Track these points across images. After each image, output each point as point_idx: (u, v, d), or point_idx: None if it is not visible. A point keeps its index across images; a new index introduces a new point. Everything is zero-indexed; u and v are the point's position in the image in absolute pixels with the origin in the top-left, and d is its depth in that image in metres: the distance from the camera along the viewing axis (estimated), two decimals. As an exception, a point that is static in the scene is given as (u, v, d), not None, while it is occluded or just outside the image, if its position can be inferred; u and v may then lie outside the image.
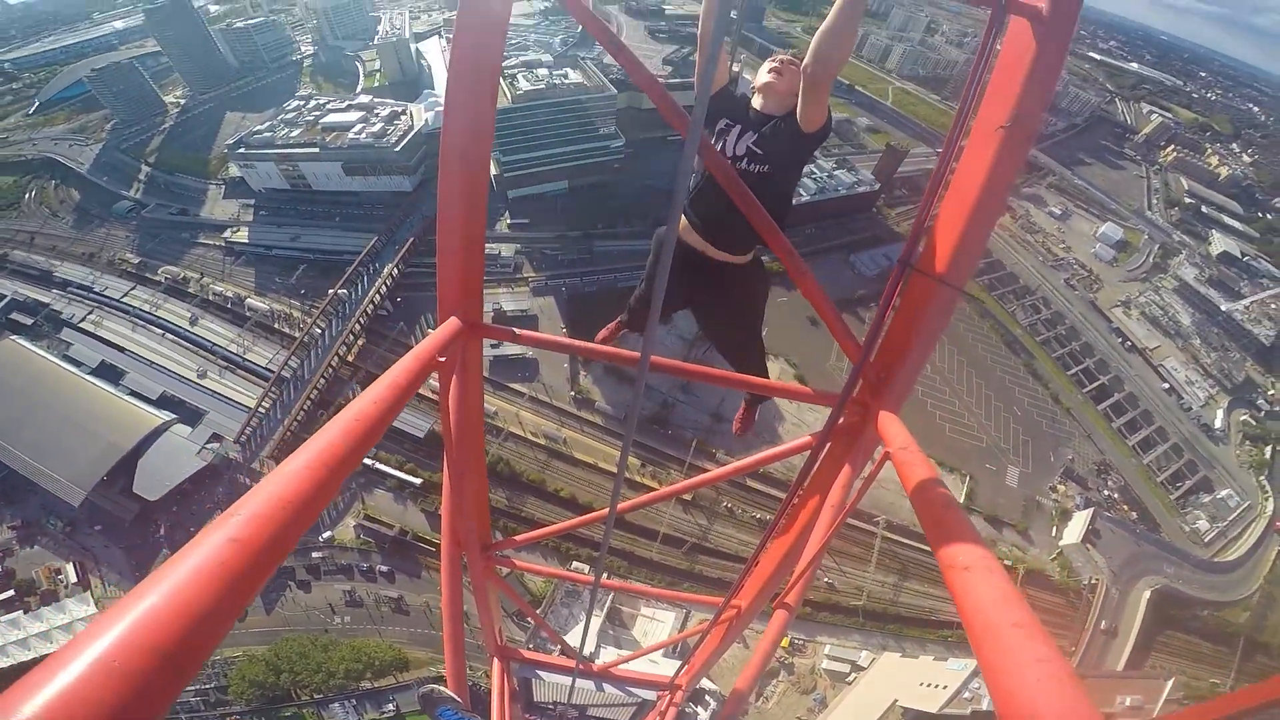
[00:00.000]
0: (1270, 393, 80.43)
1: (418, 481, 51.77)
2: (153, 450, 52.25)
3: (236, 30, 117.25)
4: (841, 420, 3.27)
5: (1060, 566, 56.85)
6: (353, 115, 78.98)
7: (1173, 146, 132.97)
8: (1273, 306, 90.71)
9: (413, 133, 76.10)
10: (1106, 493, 64.64)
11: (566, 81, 79.05)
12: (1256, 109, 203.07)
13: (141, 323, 65.03)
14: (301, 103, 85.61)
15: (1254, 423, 76.34)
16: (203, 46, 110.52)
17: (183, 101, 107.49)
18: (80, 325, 64.84)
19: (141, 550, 49.09)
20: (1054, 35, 2.66)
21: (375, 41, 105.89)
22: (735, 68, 4.04)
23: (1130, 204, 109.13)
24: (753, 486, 55.09)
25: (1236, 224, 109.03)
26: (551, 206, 75.82)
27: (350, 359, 59.92)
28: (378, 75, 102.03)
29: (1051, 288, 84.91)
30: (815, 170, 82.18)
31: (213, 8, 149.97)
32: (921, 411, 63.22)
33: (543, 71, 79.48)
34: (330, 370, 58.00)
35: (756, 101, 3.53)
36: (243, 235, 73.35)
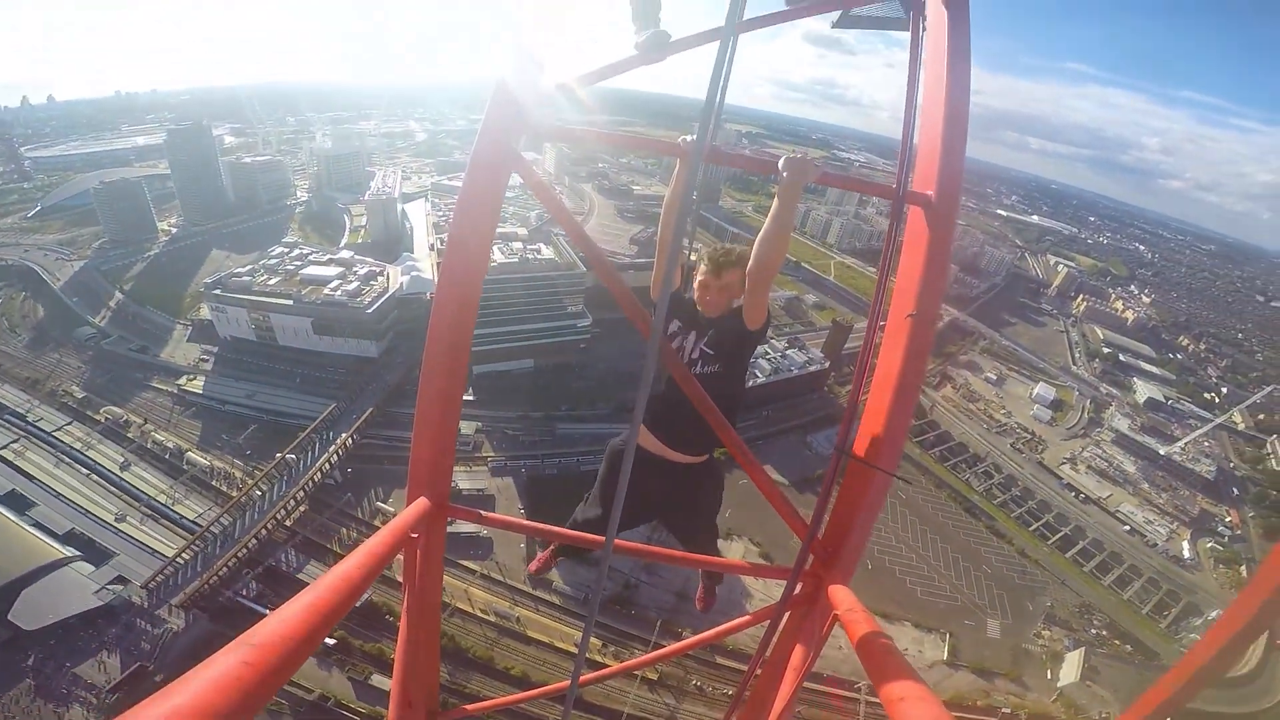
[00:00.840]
0: (1227, 520, 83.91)
1: (331, 642, 49.71)
2: (43, 581, 49.64)
3: (243, 165, 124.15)
4: (796, 591, 3.53)
5: (1065, 706, 55.70)
6: (332, 270, 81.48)
7: (1082, 296, 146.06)
8: (1205, 444, 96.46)
9: (386, 295, 78.11)
10: (1094, 631, 64.84)
11: (539, 257, 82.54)
12: (1142, 247, 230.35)
13: (67, 460, 63.30)
14: (286, 250, 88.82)
15: (1221, 548, 79.01)
16: (209, 176, 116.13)
17: (174, 229, 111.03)
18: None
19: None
20: (942, 220, 3.36)
21: (365, 197, 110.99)
22: (692, 256, 4.32)
23: (1056, 360, 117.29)
24: (722, 663, 53.63)
25: (1154, 369, 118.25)
26: (516, 384, 75.92)
27: (288, 524, 58.80)
28: (363, 231, 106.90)
29: (1000, 453, 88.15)
30: (769, 350, 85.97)
31: (229, 139, 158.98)
32: (891, 578, 63.79)
33: (517, 245, 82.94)
34: (264, 532, 56.71)
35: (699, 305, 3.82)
36: (197, 385, 72.88)
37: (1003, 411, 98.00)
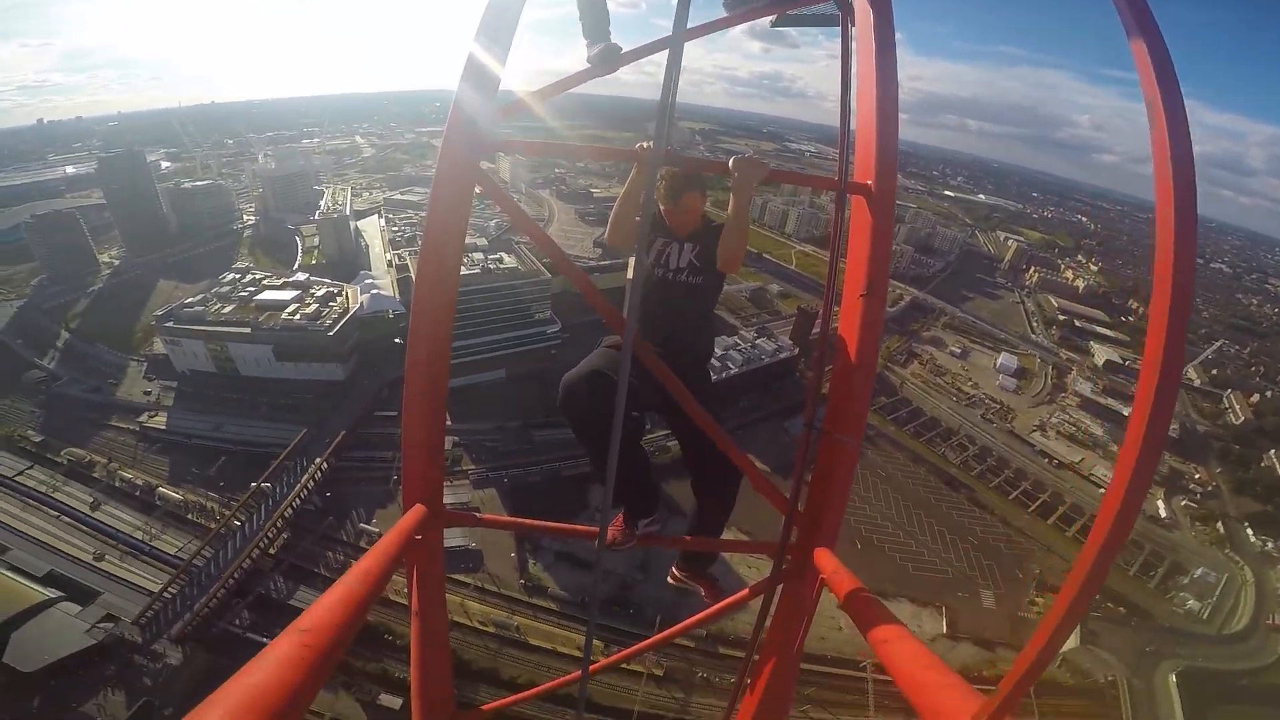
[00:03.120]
0: (1197, 477, 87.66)
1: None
2: (31, 624, 48.59)
3: (183, 191, 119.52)
4: (786, 563, 3.68)
5: (1070, 672, 56.98)
6: (288, 293, 79.61)
7: (1033, 268, 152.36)
8: None
9: (348, 316, 76.69)
10: None
11: (502, 267, 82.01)
12: (1085, 219, 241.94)
13: (34, 504, 61.21)
14: (237, 276, 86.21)
15: (1195, 505, 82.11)
16: (147, 205, 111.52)
17: (116, 262, 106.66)
18: (-40, 499, 60.25)
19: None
20: (881, 207, 3.61)
21: (316, 216, 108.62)
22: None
23: (1015, 330, 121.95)
24: (725, 653, 54.26)
25: (1108, 332, 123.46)
26: (489, 395, 75.59)
27: (272, 552, 57.67)
28: (316, 252, 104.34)
29: (972, 425, 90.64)
30: (739, 342, 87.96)
31: (164, 164, 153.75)
32: (881, 555, 64.93)
33: (478, 256, 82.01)
34: (249, 562, 55.45)
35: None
36: (160, 421, 70.86)
37: (970, 383, 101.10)
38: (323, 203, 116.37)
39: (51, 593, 51.74)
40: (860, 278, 3.63)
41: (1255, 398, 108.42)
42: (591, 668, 3.59)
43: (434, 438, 3.59)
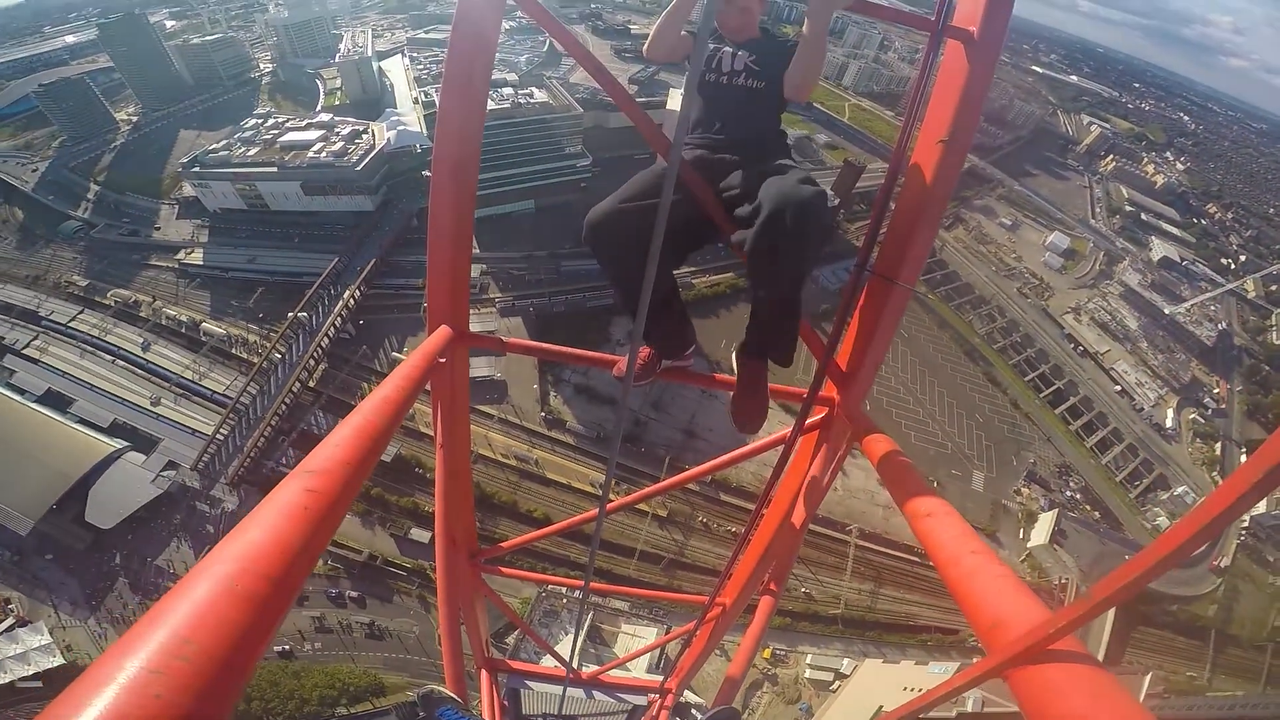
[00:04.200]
0: (1215, 391, 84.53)
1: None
2: (105, 478, 50.32)
3: (193, 47, 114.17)
4: (813, 417, 3.55)
5: (1031, 568, 57.92)
6: (312, 134, 77.43)
7: (1112, 156, 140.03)
8: (1212, 309, 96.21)
9: (374, 152, 74.83)
10: (1069, 494, 66.39)
11: (532, 101, 78.68)
12: (1186, 118, 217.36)
13: (90, 349, 62.44)
14: (259, 121, 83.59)
15: (1202, 421, 79.67)
16: (158, 63, 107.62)
17: (135, 119, 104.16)
18: (24, 351, 62.02)
19: (96, 579, 46.97)
20: (983, 56, 2.98)
21: (336, 60, 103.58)
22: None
23: (1075, 213, 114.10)
24: (727, 501, 55.13)
25: (1175, 230, 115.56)
26: (518, 226, 75.01)
27: (312, 385, 58.35)
28: (338, 94, 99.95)
29: (1006, 297, 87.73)
30: None
31: (169, 23, 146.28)
32: (887, 420, 64.48)
33: (508, 91, 78.73)
34: (291, 396, 56.31)
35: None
36: (197, 257, 70.98)
37: (1014, 256, 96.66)
38: (343, 45, 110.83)
39: (118, 443, 53.26)
40: (944, 122, 3.02)
41: None
42: (609, 506, 3.45)
43: (460, 259, 3.40)
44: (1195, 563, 63.06)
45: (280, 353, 59.30)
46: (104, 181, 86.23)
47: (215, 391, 58.11)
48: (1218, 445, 76.68)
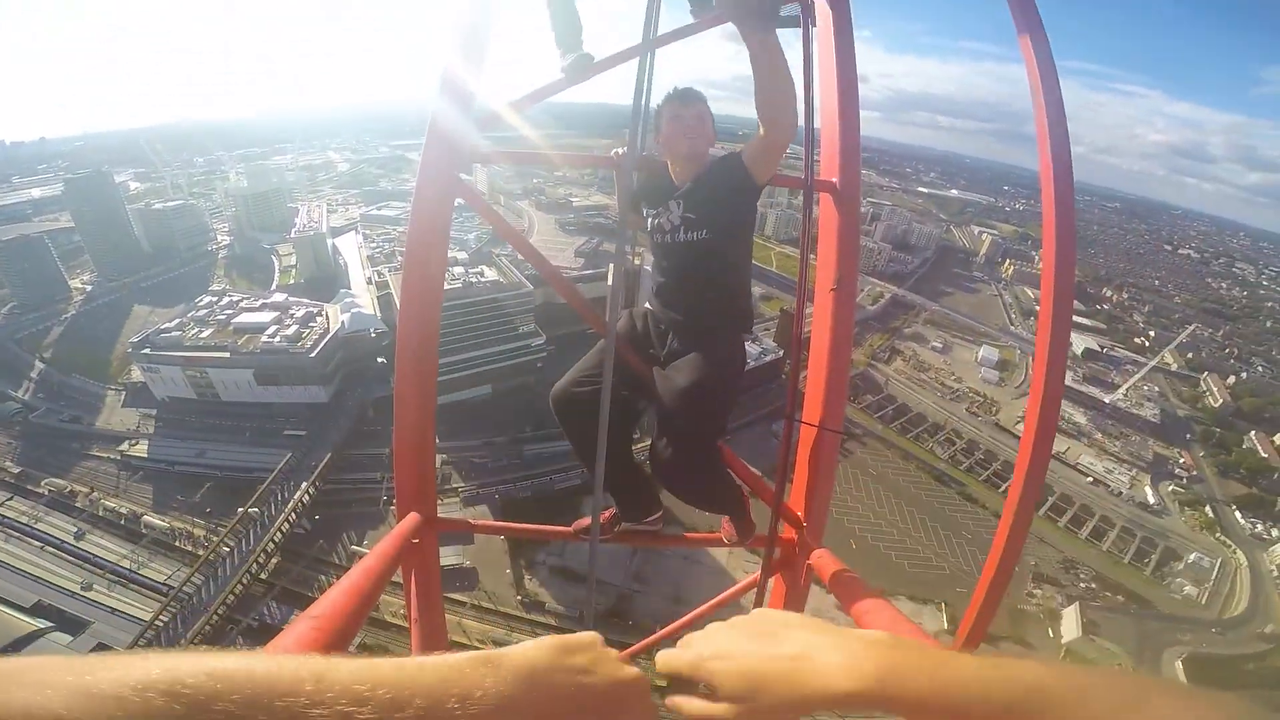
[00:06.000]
0: (1182, 461, 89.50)
1: None
2: (25, 653, 47.71)
3: (154, 212, 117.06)
4: (776, 555, 3.71)
5: (1074, 662, 57.05)
6: (266, 315, 78.33)
7: (1009, 261, 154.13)
8: (1145, 388, 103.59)
9: (329, 337, 75.61)
10: (1083, 585, 66.64)
11: (483, 280, 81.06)
12: None
13: (16, 534, 60.27)
14: (214, 299, 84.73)
15: (1183, 490, 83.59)
16: (118, 227, 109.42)
17: (89, 287, 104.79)
18: (-63, 529, 59.13)
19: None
20: (847, 204, 3.70)
21: (292, 235, 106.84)
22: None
23: (995, 323, 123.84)
24: None
25: (1085, 321, 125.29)
26: (476, 412, 74.41)
27: (264, 578, 57.18)
28: (293, 271, 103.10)
29: (958, 419, 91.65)
30: None
31: (133, 184, 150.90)
32: (877, 555, 65.17)
33: (459, 270, 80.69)
34: (241, 587, 54.91)
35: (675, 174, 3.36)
36: (141, 449, 69.67)
37: (953, 378, 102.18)
38: (298, 220, 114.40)
39: (41, 623, 51.03)
40: (831, 272, 3.74)
41: (1231, 380, 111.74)
42: None
43: (425, 446, 3.60)
44: (1246, 620, 64.61)
45: (229, 546, 58.04)
46: (50, 359, 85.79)
47: (155, 581, 56.32)
48: (1207, 508, 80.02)
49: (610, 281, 2.67)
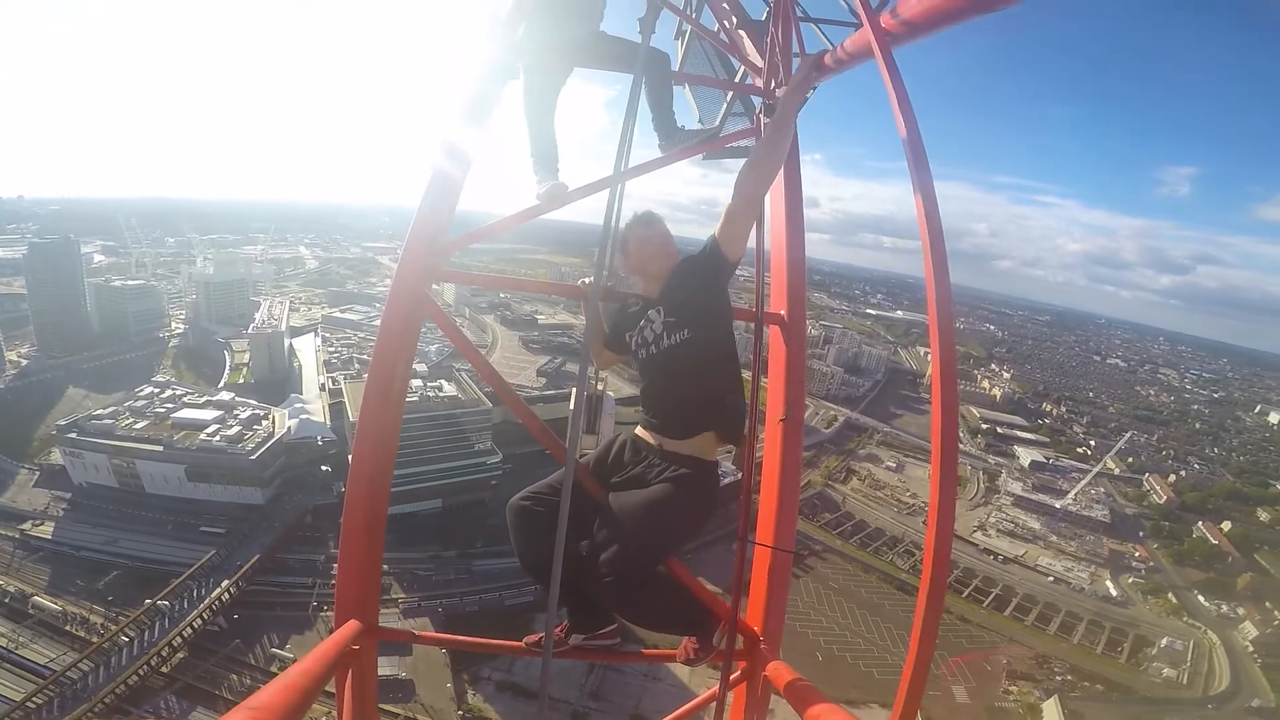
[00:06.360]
0: (1138, 555, 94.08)
1: None
2: None
3: (112, 289, 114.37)
4: (735, 670, 3.66)
5: None
6: (209, 414, 76.19)
7: None
8: (1092, 492, 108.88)
9: (272, 441, 73.61)
10: (1059, 678, 67.03)
11: (441, 395, 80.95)
12: (993, 327, 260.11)
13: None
14: (156, 390, 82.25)
15: (1143, 580, 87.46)
16: (71, 300, 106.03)
17: (25, 362, 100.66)
18: None
19: None
20: (795, 335, 3.90)
21: (250, 330, 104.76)
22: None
23: None
24: None
25: (1029, 435, 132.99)
26: (423, 525, 72.35)
27: (165, 670, 52.40)
28: (245, 370, 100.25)
29: (915, 532, 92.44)
30: None
31: (99, 257, 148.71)
32: (845, 665, 64.48)
33: (416, 383, 79.82)
34: (136, 678, 50.06)
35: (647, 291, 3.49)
36: (45, 530, 65.09)
37: (908, 494, 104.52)
38: (258, 315, 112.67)
39: None
40: (779, 403, 3.96)
41: (1172, 478, 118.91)
42: None
43: (372, 554, 3.59)
44: (1232, 695, 66.47)
45: (129, 636, 53.45)
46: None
47: (35, 662, 51.27)
48: (1169, 595, 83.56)
49: (572, 405, 2.74)
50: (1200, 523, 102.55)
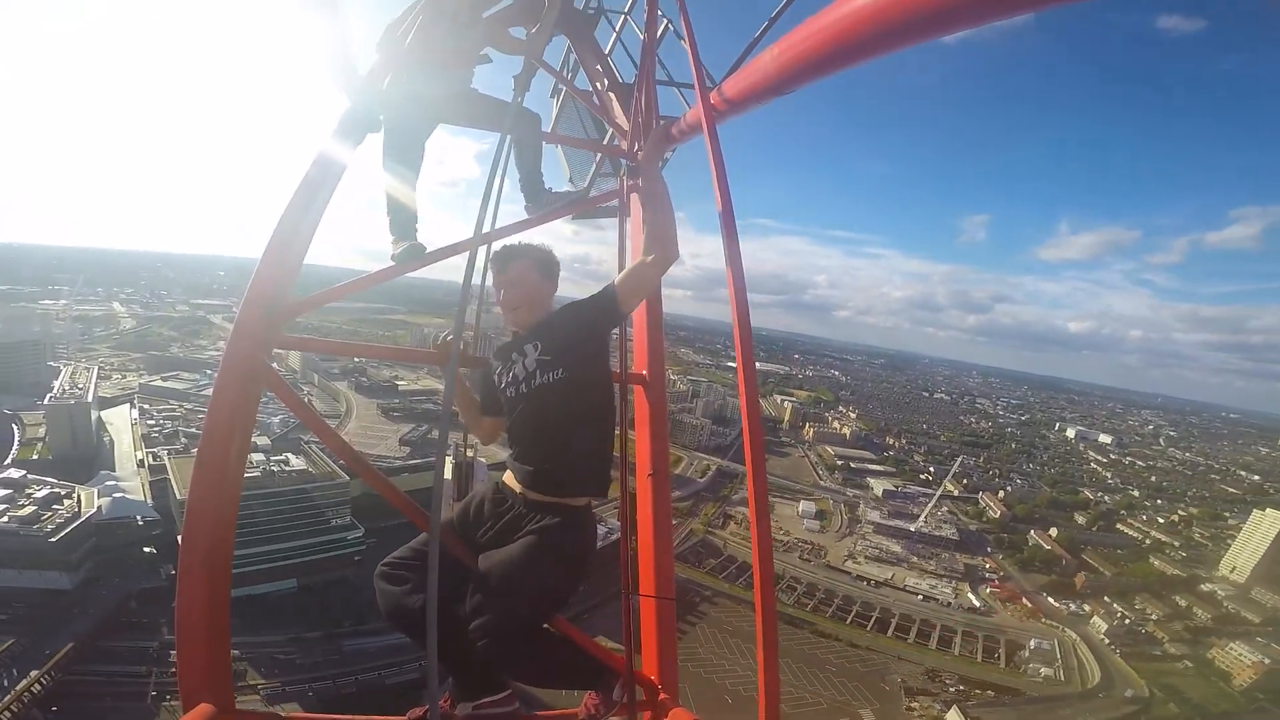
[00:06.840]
0: (989, 566, 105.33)
1: None
2: None
3: None
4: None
5: None
6: None
7: (808, 424, 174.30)
8: (939, 514, 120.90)
9: (78, 522, 65.16)
10: (952, 689, 70.99)
11: (287, 469, 75.53)
12: (837, 373, 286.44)
13: None
14: (-81, 469, 69.42)
15: (998, 589, 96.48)
16: None
17: None
18: None
19: None
20: (655, 393, 4.04)
21: (46, 401, 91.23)
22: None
23: (807, 480, 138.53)
24: None
25: (879, 467, 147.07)
26: (278, 606, 66.29)
27: None
28: (40, 446, 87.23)
29: (793, 567, 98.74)
30: None
31: None
32: (752, 703, 64.03)
33: (258, 458, 74.07)
34: None
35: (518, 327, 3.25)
36: None
37: (781, 532, 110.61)
38: (58, 383, 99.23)
39: None
40: (646, 459, 4.09)
41: (1001, 494, 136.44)
42: None
43: (217, 630, 3.29)
44: (1108, 686, 73.20)
45: None
46: None
47: None
48: (1024, 599, 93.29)
49: (434, 472, 2.53)
50: (1032, 531, 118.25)
